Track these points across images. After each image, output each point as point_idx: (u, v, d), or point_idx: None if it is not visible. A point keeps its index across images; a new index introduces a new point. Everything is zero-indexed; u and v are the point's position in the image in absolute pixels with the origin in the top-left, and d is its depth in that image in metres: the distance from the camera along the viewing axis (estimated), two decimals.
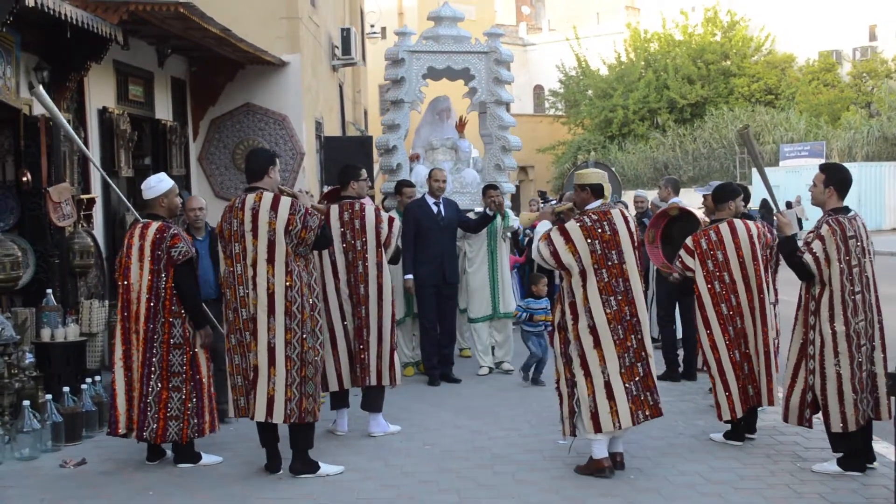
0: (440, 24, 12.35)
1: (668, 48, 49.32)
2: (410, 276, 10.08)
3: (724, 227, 7.49)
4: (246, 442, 7.65)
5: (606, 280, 6.58)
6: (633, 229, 6.74)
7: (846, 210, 6.66)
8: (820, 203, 6.77)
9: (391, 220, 8.16)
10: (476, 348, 10.72)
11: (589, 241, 6.58)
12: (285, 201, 6.61)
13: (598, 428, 6.53)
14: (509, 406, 8.90)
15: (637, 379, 6.61)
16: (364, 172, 8.28)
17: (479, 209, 11.00)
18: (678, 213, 8.66)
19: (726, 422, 7.49)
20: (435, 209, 10.23)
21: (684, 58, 47.76)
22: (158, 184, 7.19)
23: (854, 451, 6.58)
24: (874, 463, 6.64)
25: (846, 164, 33.44)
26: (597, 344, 6.55)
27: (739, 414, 7.39)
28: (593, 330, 6.56)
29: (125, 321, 7.02)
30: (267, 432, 6.81)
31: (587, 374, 6.56)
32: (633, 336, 6.61)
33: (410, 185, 10.77)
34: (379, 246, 7.97)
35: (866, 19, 47.52)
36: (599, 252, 6.59)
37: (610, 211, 6.71)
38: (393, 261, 8.41)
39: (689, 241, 7.57)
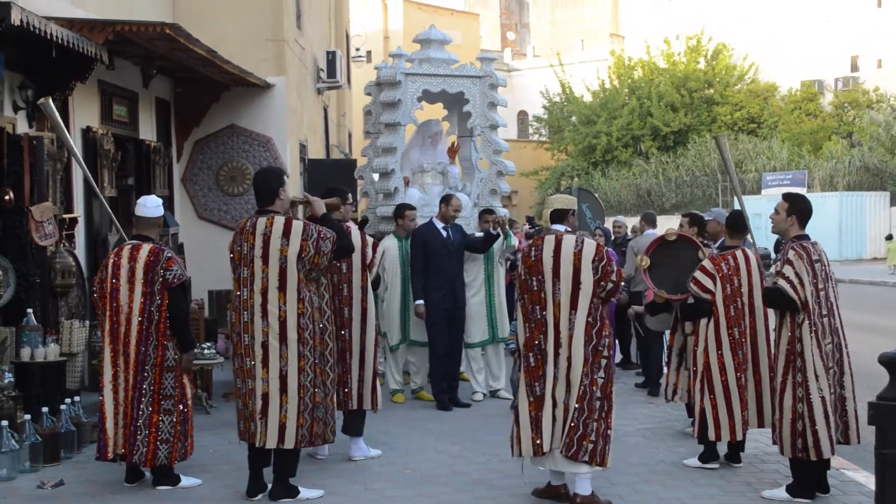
0: (429, 48, 12.36)
1: (651, 76, 49.65)
2: (422, 302, 10.03)
3: (739, 255, 7.59)
4: (225, 465, 7.62)
5: (528, 307, 6.60)
6: (562, 257, 6.48)
7: (807, 237, 6.78)
8: (781, 231, 6.91)
9: (375, 244, 8.17)
10: (471, 373, 10.68)
11: (522, 265, 6.68)
12: (297, 227, 6.55)
13: (511, 451, 6.64)
14: (490, 431, 8.87)
15: (544, 408, 6.47)
16: (351, 196, 8.27)
17: (478, 234, 10.93)
18: (675, 239, 8.62)
19: (704, 443, 7.51)
20: (444, 233, 10.19)
21: (668, 85, 48.07)
22: (161, 204, 7.22)
23: (812, 478, 6.65)
24: (828, 493, 6.72)
25: (828, 194, 33.79)
26: (519, 368, 6.70)
27: (739, 436, 7.46)
28: (519, 355, 6.70)
29: (114, 344, 6.96)
30: (257, 455, 6.73)
31: (520, 399, 6.65)
32: (545, 366, 6.51)
33: (411, 208, 10.66)
34: (364, 269, 7.96)
35: (848, 50, 47.99)
36: (524, 278, 6.64)
37: (544, 237, 6.69)
38: (373, 286, 8.35)
39: (707, 264, 7.58)
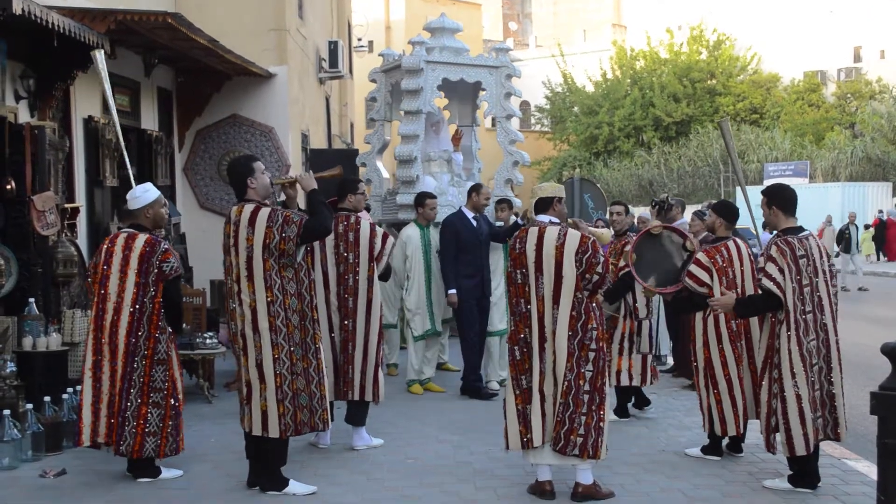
0: (441, 36, 12.34)
1: (654, 66, 49.60)
2: (454, 291, 10.00)
3: (731, 245, 7.54)
4: (227, 454, 7.62)
5: (513, 300, 6.54)
6: (544, 249, 6.37)
7: (798, 230, 6.67)
8: (771, 225, 6.82)
9: (385, 235, 8.11)
10: (492, 363, 10.59)
11: (507, 258, 6.60)
12: (263, 214, 6.48)
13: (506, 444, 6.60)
14: (492, 421, 8.85)
15: (532, 402, 6.41)
16: (362, 186, 8.23)
17: (498, 223, 10.89)
18: (661, 232, 8.51)
19: (712, 438, 7.52)
20: (474, 223, 10.19)
21: (670, 76, 48.05)
22: (144, 194, 7.09)
23: (808, 469, 6.63)
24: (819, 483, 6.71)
25: (830, 184, 33.74)
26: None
27: (743, 430, 7.46)
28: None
29: (97, 331, 6.90)
30: (253, 444, 6.71)
31: (507, 393, 6.61)
32: (530, 360, 6.44)
33: (432, 196, 10.59)
34: (371, 260, 7.93)
35: (851, 41, 47.97)
36: (510, 270, 6.57)
37: (528, 228, 6.58)
38: (383, 277, 8.31)
39: (702, 257, 7.49)
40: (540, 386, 6.39)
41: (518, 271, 6.49)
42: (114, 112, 8.27)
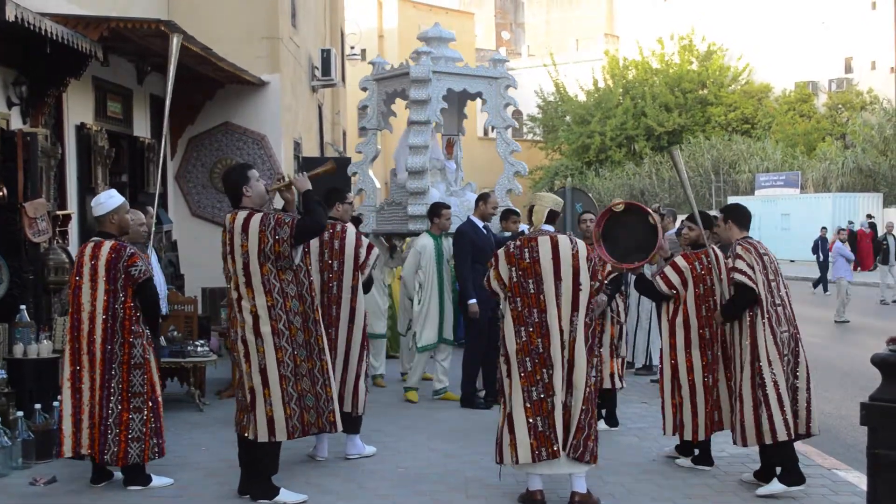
0: (438, 45, 12.33)
1: (645, 76, 49.72)
2: (475, 301, 9.88)
3: (711, 253, 7.56)
4: (218, 462, 7.60)
5: (520, 309, 6.46)
6: (562, 258, 6.48)
7: (750, 238, 7.14)
8: (727, 238, 7.31)
9: (370, 246, 8.12)
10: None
11: (509, 266, 6.53)
12: (255, 220, 6.49)
13: (501, 458, 6.47)
14: (483, 429, 8.86)
15: (545, 415, 6.34)
16: (350, 196, 8.20)
17: (505, 234, 10.89)
18: (623, 209, 8.40)
19: (694, 446, 7.53)
20: (485, 232, 10.22)
21: (662, 86, 48.16)
22: (108, 200, 7.05)
23: (792, 463, 6.73)
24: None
25: (821, 195, 33.70)
26: (508, 373, 6.48)
27: (702, 436, 7.42)
28: (507, 359, 6.48)
29: (74, 341, 6.88)
30: (247, 452, 6.67)
31: (504, 403, 6.52)
32: (543, 370, 6.36)
33: (447, 207, 10.58)
34: (356, 269, 7.92)
35: (842, 52, 48.14)
36: (515, 280, 6.49)
37: (537, 238, 6.57)
38: (364, 287, 8.26)
39: (680, 261, 7.55)
40: (562, 395, 6.39)
41: (530, 280, 6.47)
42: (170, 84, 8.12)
